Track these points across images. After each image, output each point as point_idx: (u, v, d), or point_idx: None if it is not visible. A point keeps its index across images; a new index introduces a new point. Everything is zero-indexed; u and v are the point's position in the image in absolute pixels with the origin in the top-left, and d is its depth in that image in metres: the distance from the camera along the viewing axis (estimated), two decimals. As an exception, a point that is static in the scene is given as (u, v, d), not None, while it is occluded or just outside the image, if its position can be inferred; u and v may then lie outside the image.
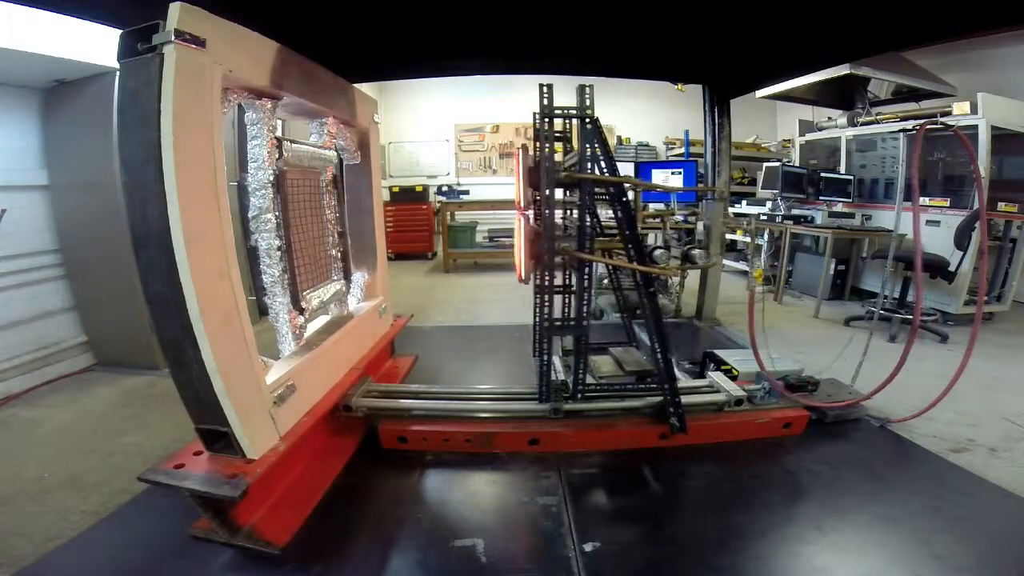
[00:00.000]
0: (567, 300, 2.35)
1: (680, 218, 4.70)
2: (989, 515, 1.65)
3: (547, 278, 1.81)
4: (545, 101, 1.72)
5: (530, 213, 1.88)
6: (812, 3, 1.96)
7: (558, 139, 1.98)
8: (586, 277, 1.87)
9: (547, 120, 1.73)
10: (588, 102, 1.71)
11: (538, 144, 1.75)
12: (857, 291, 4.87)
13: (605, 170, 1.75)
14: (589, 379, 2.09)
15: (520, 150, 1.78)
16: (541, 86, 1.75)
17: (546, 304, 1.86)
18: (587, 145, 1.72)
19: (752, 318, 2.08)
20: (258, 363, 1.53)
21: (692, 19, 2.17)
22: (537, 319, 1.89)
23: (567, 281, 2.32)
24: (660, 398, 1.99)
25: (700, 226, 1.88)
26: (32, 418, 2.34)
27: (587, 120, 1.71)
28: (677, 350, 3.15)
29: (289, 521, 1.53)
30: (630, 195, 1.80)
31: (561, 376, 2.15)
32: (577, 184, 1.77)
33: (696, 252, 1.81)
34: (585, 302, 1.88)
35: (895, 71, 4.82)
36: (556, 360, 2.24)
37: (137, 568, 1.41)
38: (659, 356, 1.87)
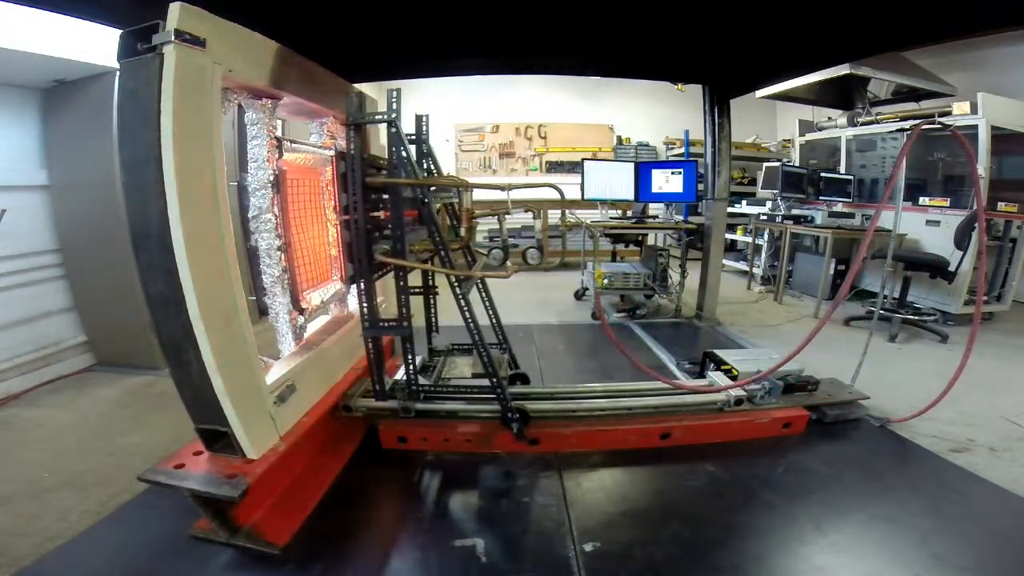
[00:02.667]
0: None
1: (680, 217, 4.71)
2: (989, 515, 1.65)
3: (363, 282, 1.80)
4: (354, 108, 1.72)
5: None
6: (812, 3, 1.96)
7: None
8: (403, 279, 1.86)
9: (354, 127, 1.72)
10: (395, 107, 1.72)
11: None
12: (857, 291, 4.87)
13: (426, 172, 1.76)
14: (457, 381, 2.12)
15: (334, 157, 1.76)
16: (350, 95, 1.74)
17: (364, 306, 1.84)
18: (394, 149, 1.72)
19: (603, 319, 2.20)
20: (258, 363, 1.53)
21: (692, 19, 2.17)
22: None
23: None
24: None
25: (535, 225, 1.98)
26: (32, 418, 2.34)
27: (393, 125, 1.72)
28: (677, 350, 3.17)
29: (289, 521, 1.53)
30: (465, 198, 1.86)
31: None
32: (385, 188, 1.77)
33: (530, 252, 1.89)
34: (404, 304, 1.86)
35: (895, 71, 4.82)
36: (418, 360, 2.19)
37: (137, 568, 1.41)
38: (484, 360, 1.88)
